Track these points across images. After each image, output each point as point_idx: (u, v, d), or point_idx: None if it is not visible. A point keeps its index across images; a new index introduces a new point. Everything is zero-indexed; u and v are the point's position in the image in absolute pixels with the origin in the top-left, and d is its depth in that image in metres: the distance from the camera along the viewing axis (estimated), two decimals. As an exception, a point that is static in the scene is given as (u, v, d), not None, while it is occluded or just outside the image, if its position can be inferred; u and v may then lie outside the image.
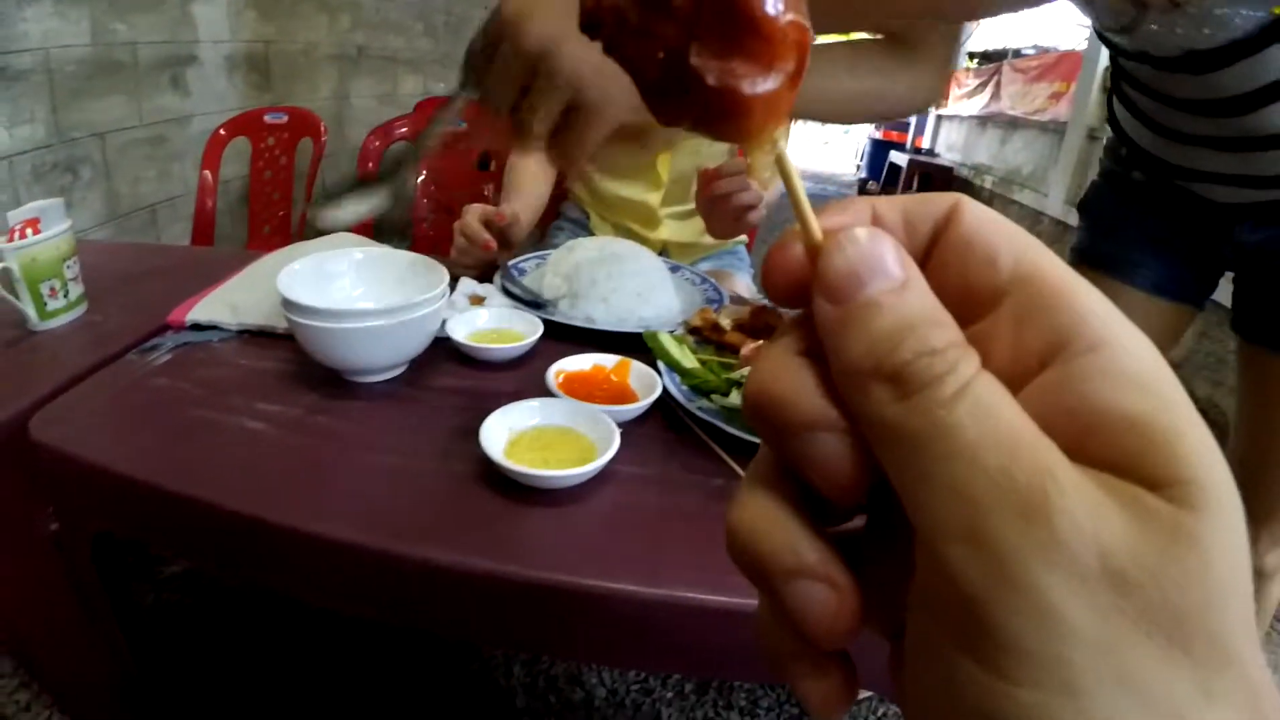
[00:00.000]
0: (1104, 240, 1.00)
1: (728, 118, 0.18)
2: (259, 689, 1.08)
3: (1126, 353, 0.14)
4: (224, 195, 2.01)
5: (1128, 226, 0.97)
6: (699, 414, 0.67)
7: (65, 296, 0.83)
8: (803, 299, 0.17)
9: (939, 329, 0.15)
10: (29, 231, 0.78)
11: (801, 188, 0.18)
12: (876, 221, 0.18)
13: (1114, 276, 0.97)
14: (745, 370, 0.72)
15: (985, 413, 0.14)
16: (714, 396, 0.70)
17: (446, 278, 0.75)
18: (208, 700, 1.03)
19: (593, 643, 0.55)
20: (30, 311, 0.79)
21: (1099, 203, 1.02)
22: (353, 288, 0.79)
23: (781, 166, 0.19)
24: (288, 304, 0.67)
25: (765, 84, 0.18)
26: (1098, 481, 0.14)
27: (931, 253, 0.18)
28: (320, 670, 1.13)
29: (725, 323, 0.80)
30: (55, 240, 0.80)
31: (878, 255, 0.16)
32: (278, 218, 1.89)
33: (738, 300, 1.02)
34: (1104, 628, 0.12)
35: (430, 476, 0.60)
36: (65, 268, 0.82)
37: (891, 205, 0.18)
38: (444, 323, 0.79)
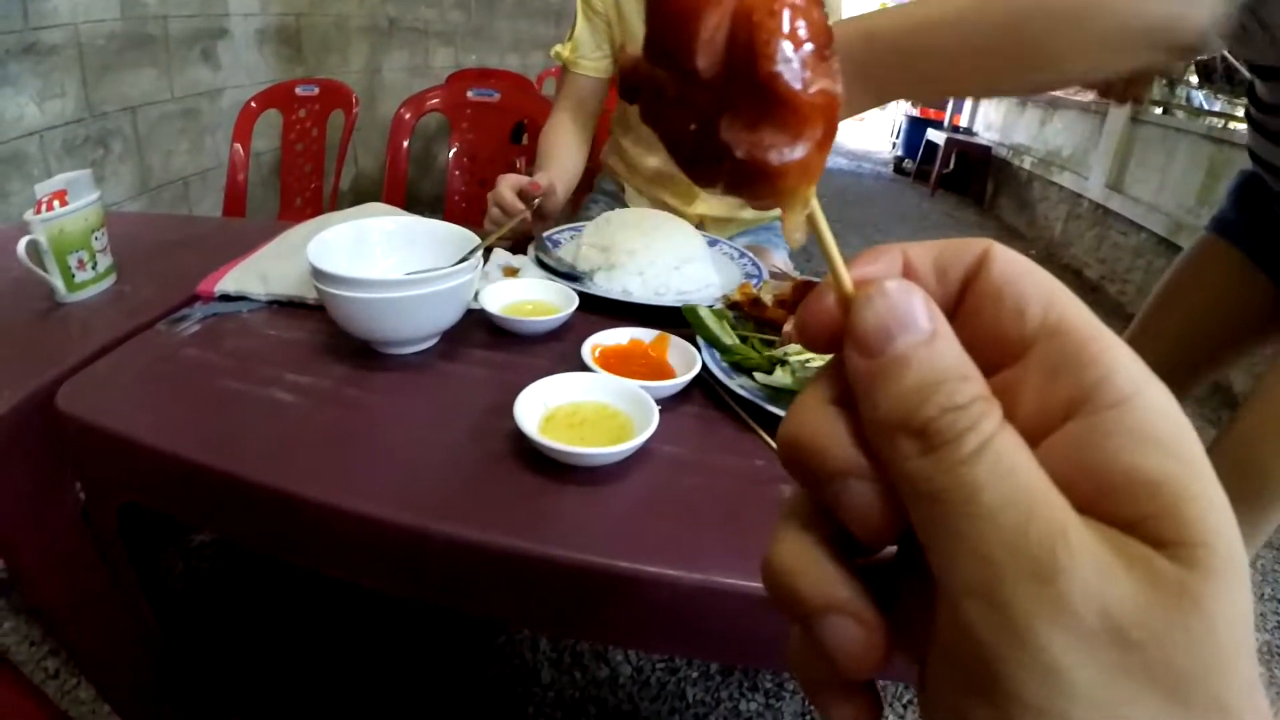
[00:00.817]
0: (1245, 220, 1.04)
1: (758, 184, 0.19)
2: (286, 657, 1.09)
3: (1151, 410, 0.15)
4: (256, 168, 2.01)
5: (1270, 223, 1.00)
6: (740, 392, 0.64)
7: (94, 268, 0.81)
8: (838, 347, 0.18)
9: (964, 383, 0.16)
10: (56, 204, 0.76)
11: (832, 242, 0.19)
12: (908, 269, 0.18)
13: (1241, 249, 1.03)
14: (789, 348, 0.69)
15: (1005, 470, 0.15)
16: (755, 374, 0.67)
17: (481, 248, 0.72)
18: (234, 669, 1.04)
19: (624, 626, 0.53)
20: (59, 283, 0.79)
21: (1251, 191, 1.04)
22: (384, 258, 0.77)
23: (813, 223, 0.19)
24: (318, 274, 0.65)
25: (794, 153, 0.18)
26: (1109, 542, 0.14)
27: (962, 300, 0.18)
28: (346, 640, 1.13)
29: (766, 298, 0.77)
30: (83, 212, 0.79)
31: (907, 308, 0.16)
32: (310, 190, 1.88)
33: (778, 275, 0.98)
34: (1105, 685, 0.13)
35: (462, 451, 0.58)
36: (94, 239, 0.81)
37: (922, 252, 0.19)
38: (477, 294, 0.77)
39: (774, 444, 0.60)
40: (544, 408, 0.58)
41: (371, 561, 0.55)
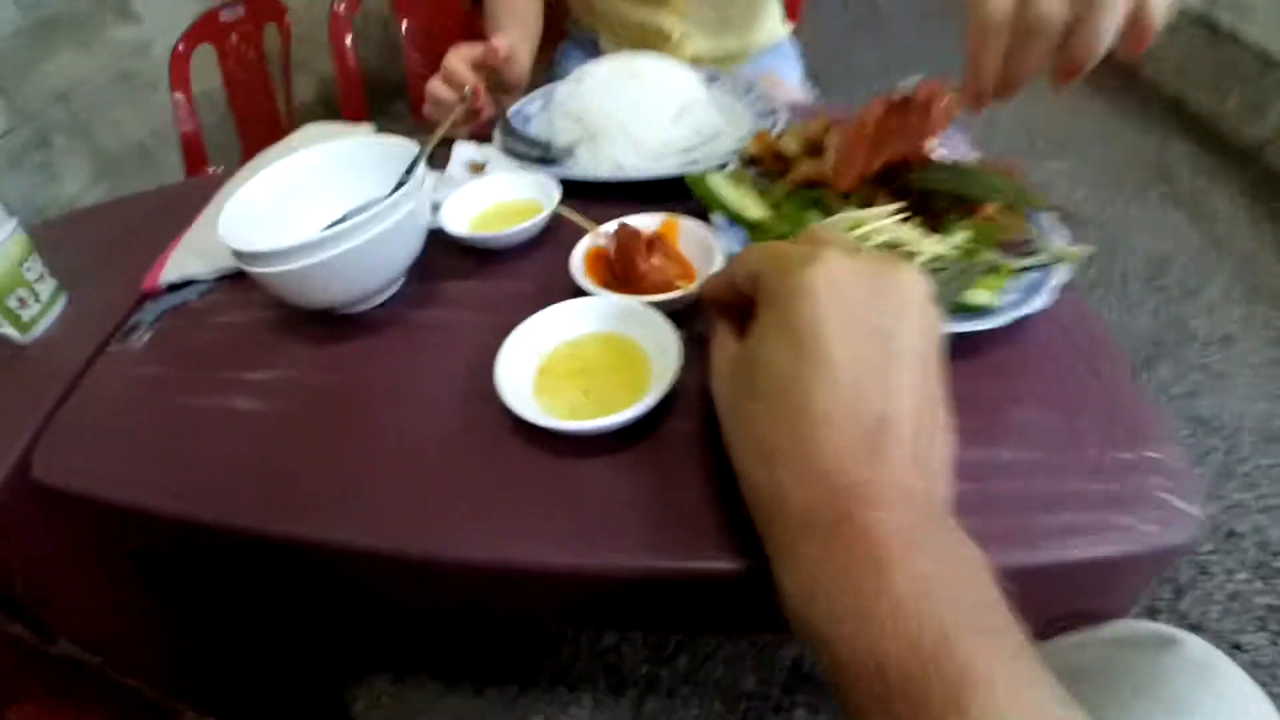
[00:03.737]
0: None
1: None
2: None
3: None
4: (210, 110, 1.85)
5: None
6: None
7: (37, 300, 0.72)
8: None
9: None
10: None
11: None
12: None
13: None
14: (850, 218, 0.52)
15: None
16: None
17: (420, 158, 0.58)
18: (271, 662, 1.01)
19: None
20: (10, 331, 0.70)
21: None
22: (314, 202, 0.63)
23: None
24: (238, 255, 0.53)
25: None
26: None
27: None
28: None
29: (792, 146, 0.59)
30: (3, 250, 0.69)
31: None
32: (265, 116, 1.71)
33: (800, 112, 0.76)
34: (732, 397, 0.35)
35: (447, 430, 0.47)
36: (24, 271, 0.71)
37: None
38: (437, 208, 0.63)
39: None
40: (537, 357, 0.46)
41: (374, 583, 0.47)
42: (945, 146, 0.63)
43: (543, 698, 1.01)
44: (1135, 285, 1.63)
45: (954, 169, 0.53)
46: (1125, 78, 2.48)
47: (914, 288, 0.31)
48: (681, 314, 0.47)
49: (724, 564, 0.38)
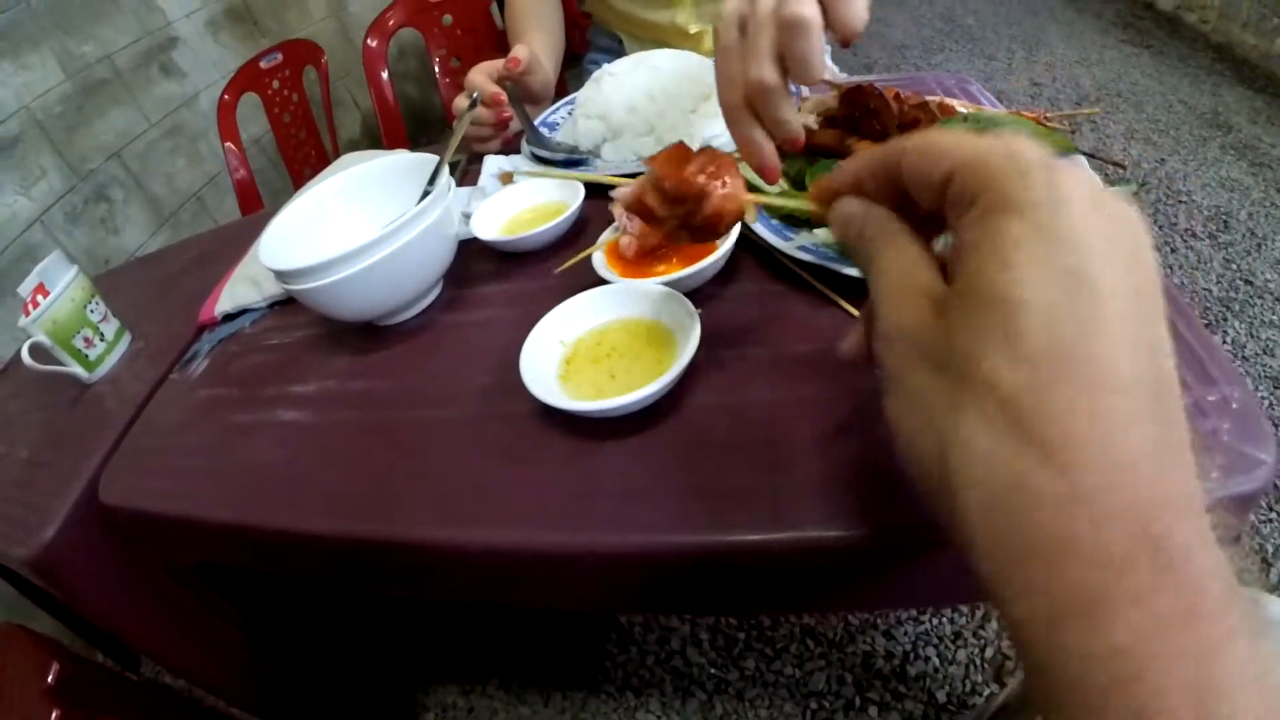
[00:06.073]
0: None
1: None
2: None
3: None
4: (259, 155, 1.93)
5: None
6: (800, 255, 0.49)
7: (102, 339, 0.76)
8: None
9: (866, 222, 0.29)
10: (39, 298, 0.71)
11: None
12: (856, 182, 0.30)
13: None
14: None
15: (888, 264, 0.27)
16: (817, 228, 0.51)
17: (443, 169, 0.59)
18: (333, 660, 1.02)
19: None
20: (77, 369, 0.74)
21: None
22: (349, 221, 0.65)
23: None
24: (277, 274, 0.55)
25: None
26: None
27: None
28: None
29: (810, 121, 0.59)
30: (67, 293, 0.73)
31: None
32: (313, 156, 1.79)
33: (818, 86, 0.75)
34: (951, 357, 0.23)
35: (482, 424, 0.48)
36: (89, 313, 0.75)
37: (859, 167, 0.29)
38: (468, 219, 0.64)
39: (850, 307, 0.46)
40: (561, 346, 0.46)
41: (419, 583, 0.48)
42: (963, 96, 0.61)
43: (610, 703, 1.00)
44: (1199, 242, 1.55)
45: (976, 117, 0.52)
46: (1169, 28, 2.38)
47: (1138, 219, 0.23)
48: (703, 292, 0.47)
49: (767, 535, 0.37)
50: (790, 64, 0.40)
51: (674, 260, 0.52)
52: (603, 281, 0.52)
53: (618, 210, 0.44)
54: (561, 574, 0.42)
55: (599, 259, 0.53)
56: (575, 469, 0.43)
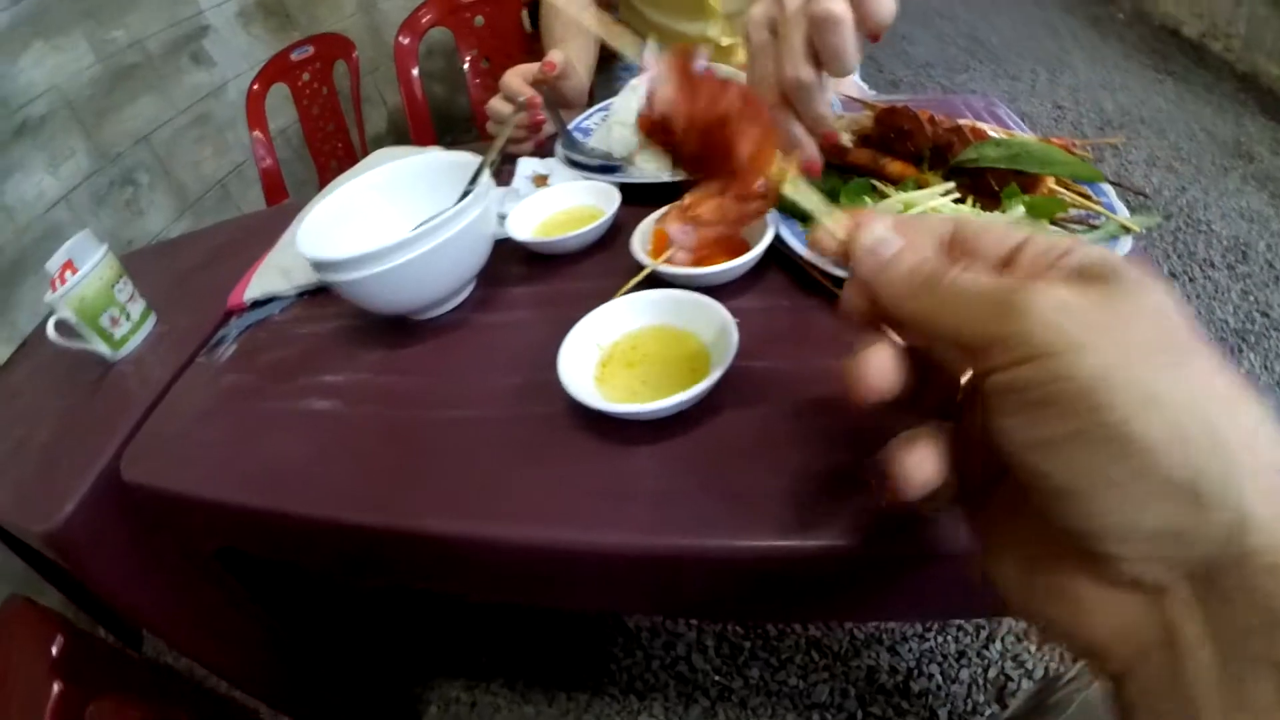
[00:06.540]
0: None
1: None
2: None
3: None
4: (285, 145, 1.94)
5: None
6: (835, 271, 0.50)
7: (128, 319, 0.77)
8: None
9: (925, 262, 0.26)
10: (68, 274, 0.72)
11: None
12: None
13: None
14: (903, 199, 0.52)
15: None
16: None
17: (482, 168, 0.60)
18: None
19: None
20: (102, 348, 0.75)
21: None
22: (385, 216, 0.66)
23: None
24: (315, 265, 0.56)
25: None
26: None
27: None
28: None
29: (845, 139, 0.59)
30: (96, 271, 0.74)
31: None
32: (339, 149, 1.81)
33: (851, 104, 0.76)
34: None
35: (513, 421, 0.49)
36: (116, 292, 0.76)
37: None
38: (503, 219, 0.65)
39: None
40: (597, 350, 0.47)
41: (441, 578, 0.48)
42: (992, 120, 0.62)
43: (613, 705, 1.01)
44: (1217, 272, 1.55)
45: (1007, 144, 0.52)
46: (1193, 56, 2.38)
47: None
48: (736, 304, 0.47)
49: (792, 541, 0.37)
50: (825, 59, 0.41)
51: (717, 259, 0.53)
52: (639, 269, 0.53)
53: (673, 228, 0.45)
54: (587, 574, 0.43)
55: (638, 244, 0.55)
56: (605, 471, 0.43)
